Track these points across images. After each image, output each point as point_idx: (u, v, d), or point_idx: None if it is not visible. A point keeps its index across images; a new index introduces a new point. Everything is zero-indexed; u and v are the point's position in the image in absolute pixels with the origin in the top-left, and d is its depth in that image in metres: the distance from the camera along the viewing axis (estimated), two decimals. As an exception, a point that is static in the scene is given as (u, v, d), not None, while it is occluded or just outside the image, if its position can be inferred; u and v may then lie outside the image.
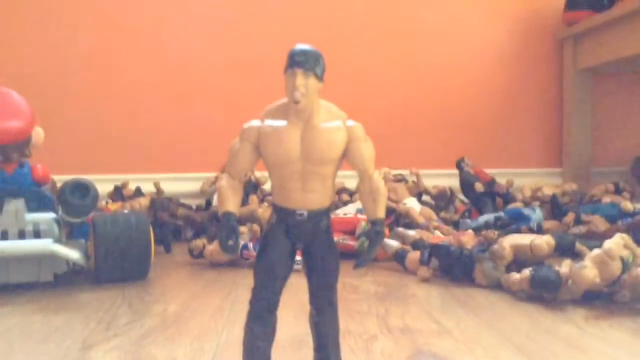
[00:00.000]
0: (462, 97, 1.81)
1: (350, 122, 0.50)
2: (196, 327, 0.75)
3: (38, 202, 0.99)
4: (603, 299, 0.83)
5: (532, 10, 1.84)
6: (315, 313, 0.53)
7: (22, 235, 0.94)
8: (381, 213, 0.51)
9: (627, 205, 1.28)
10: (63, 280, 1.00)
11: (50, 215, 0.97)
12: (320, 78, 0.49)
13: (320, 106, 0.50)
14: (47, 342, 0.70)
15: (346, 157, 0.50)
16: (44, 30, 1.71)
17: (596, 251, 0.82)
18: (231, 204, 0.50)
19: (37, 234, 0.95)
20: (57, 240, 0.96)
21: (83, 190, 0.97)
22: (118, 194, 1.55)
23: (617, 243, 0.81)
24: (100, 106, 1.72)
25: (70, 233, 1.03)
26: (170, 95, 1.74)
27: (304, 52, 0.48)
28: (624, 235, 0.84)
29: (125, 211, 1.20)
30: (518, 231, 1.21)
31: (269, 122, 0.50)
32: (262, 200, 1.47)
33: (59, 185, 1.03)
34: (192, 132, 1.74)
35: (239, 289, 0.95)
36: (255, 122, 0.51)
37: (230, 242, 0.49)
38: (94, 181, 1.03)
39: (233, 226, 0.49)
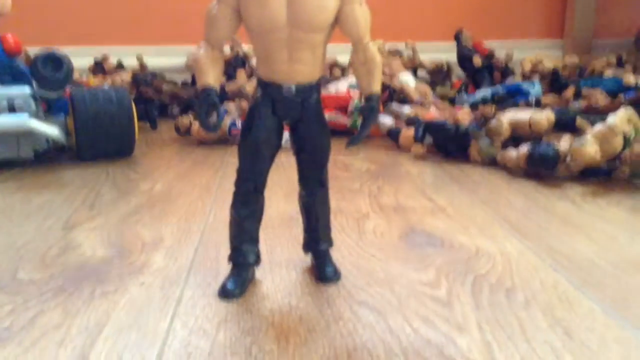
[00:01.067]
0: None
1: (343, -18, 0.44)
2: (183, 207, 0.73)
3: (11, 76, 0.93)
4: (601, 176, 0.81)
5: None
6: (305, 193, 0.50)
7: (-5, 110, 0.89)
8: (376, 87, 0.46)
9: (630, 79, 1.23)
10: (44, 158, 0.97)
11: (25, 89, 0.92)
12: None
13: (308, -38, 0.44)
14: (28, 221, 0.68)
15: (338, 23, 0.45)
16: None
17: (599, 126, 0.78)
18: (211, 76, 0.45)
19: (12, 109, 0.90)
20: (34, 116, 0.91)
21: (56, 62, 0.91)
22: (99, 68, 1.48)
23: (621, 118, 0.78)
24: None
25: (48, 108, 0.98)
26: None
27: None
28: (629, 110, 0.80)
29: (106, 86, 1.14)
30: (516, 106, 1.18)
31: (250, -18, 0.44)
32: (250, 76, 1.41)
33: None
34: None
35: (228, 167, 0.92)
36: (235, -19, 0.44)
37: (212, 119, 0.45)
38: (71, 53, 0.97)
39: (213, 101, 0.44)
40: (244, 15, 0.44)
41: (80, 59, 1.35)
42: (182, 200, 0.75)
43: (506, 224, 0.65)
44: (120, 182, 0.85)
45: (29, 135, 0.92)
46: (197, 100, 0.46)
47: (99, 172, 0.90)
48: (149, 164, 0.96)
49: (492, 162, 0.91)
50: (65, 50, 0.97)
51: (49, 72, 0.91)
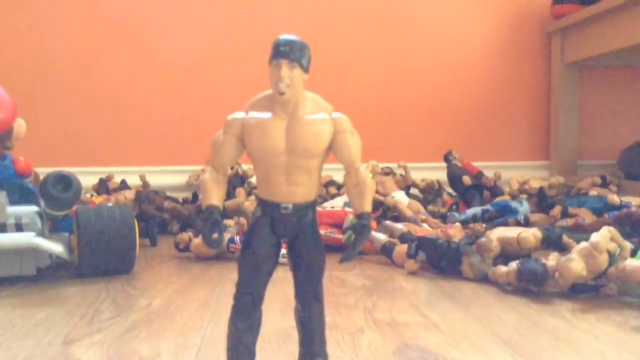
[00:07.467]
0: (450, 90, 1.81)
1: (336, 114, 0.50)
2: (181, 322, 0.74)
3: (20, 195, 0.97)
4: (590, 292, 0.83)
5: (521, 3, 1.84)
6: (301, 307, 0.52)
7: (3, 228, 0.92)
8: (367, 206, 0.50)
9: (614, 198, 1.29)
10: (46, 274, 0.99)
11: (33, 208, 0.95)
12: (305, 69, 0.48)
13: (305, 98, 0.49)
14: (29, 337, 0.69)
15: (332, 150, 0.50)
16: (28, 20, 1.68)
17: (583, 244, 0.81)
18: (215, 197, 0.49)
19: (19, 228, 0.93)
20: (40, 234, 0.94)
21: (65, 182, 0.95)
22: (103, 186, 1.54)
23: (604, 236, 0.81)
24: (85, 98, 1.70)
25: (53, 226, 1.01)
26: (157, 87, 1.73)
27: (289, 43, 0.47)
28: (611, 228, 0.84)
29: (110, 204, 1.18)
30: (505, 224, 1.22)
31: (253, 114, 0.49)
32: (249, 194, 1.46)
33: (42, 178, 1.01)
34: (179, 124, 1.73)
35: (225, 283, 0.94)
36: (239, 114, 0.50)
37: (214, 236, 0.48)
38: (78, 174, 1.02)
39: (216, 220, 0.48)
40: (247, 143, 0.49)
41: (85, 179, 1.40)
42: (180, 316, 0.77)
43: (498, 339, 0.67)
44: (119, 298, 0.86)
45: (33, 252, 0.94)
46: (202, 218, 0.50)
47: (99, 288, 0.91)
48: (147, 280, 0.98)
49: (483, 278, 0.93)
50: (71, 170, 1.01)
51: (58, 191, 0.95)
